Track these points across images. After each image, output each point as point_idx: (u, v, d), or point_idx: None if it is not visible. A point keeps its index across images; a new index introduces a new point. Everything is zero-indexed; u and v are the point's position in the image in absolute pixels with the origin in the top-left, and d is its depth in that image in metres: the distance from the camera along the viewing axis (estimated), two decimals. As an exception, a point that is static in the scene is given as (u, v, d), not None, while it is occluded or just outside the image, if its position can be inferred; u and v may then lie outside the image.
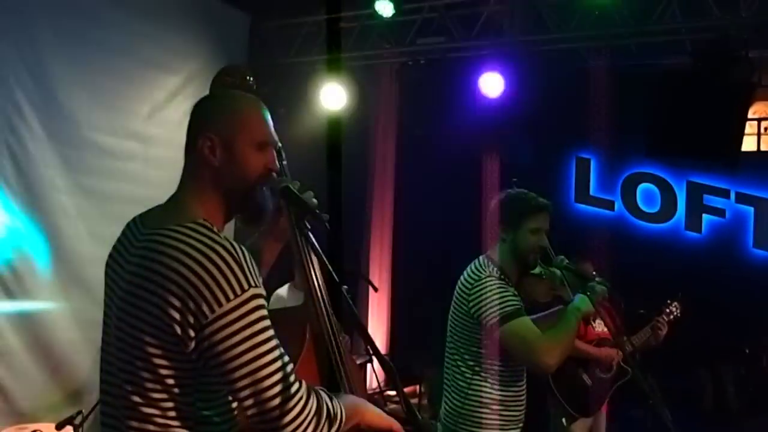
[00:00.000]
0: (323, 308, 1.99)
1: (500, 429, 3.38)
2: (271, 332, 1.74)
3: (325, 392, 1.87)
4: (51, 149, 5.22)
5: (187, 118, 1.96)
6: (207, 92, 2.17)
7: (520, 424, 3.49)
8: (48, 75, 5.20)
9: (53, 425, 4.48)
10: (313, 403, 1.77)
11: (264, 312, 1.74)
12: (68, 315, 5.33)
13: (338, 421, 1.82)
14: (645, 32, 6.30)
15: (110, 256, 1.94)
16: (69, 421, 4.46)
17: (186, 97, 6.12)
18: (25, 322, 5.18)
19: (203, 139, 1.87)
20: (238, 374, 1.70)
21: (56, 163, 5.26)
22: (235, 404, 1.86)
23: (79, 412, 4.48)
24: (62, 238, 5.32)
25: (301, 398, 1.75)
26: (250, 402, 1.71)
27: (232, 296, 1.68)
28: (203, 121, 1.91)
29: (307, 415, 1.75)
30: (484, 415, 3.36)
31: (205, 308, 1.67)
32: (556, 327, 3.31)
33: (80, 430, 4.49)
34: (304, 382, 1.79)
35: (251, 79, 2.23)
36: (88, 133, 5.51)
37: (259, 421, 1.73)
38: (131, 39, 5.77)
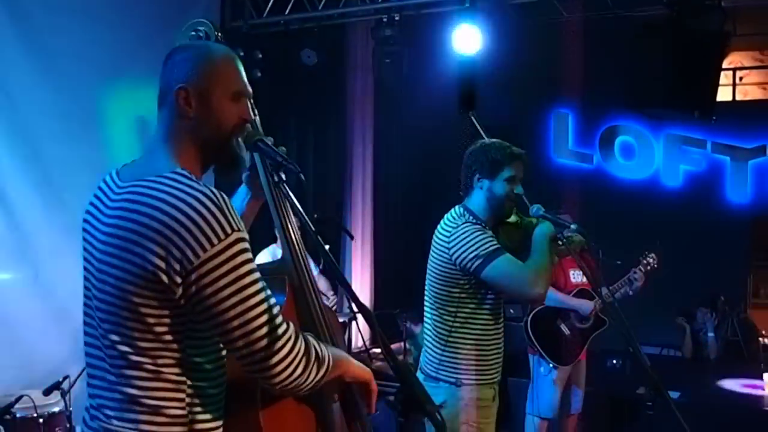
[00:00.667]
0: (301, 260, 2.00)
1: (480, 374, 3.44)
2: (257, 275, 1.77)
3: (312, 336, 1.90)
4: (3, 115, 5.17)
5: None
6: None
7: (499, 368, 3.56)
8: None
9: (40, 391, 4.49)
10: (301, 344, 1.81)
11: (249, 255, 1.76)
12: (53, 282, 5.33)
13: (326, 365, 1.86)
14: (620, -17, 6.29)
15: (87, 212, 1.93)
16: (56, 386, 4.48)
17: (156, 62, 6.01)
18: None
19: (178, 91, 1.87)
20: (226, 316, 1.73)
21: (10, 128, 5.21)
22: (224, 351, 1.89)
23: (66, 377, 4.49)
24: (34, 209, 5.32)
25: (289, 338, 1.78)
26: (239, 343, 1.74)
27: (216, 241, 1.70)
28: (177, 73, 1.89)
29: (296, 355, 1.79)
30: (464, 361, 3.41)
31: (189, 254, 1.69)
32: (533, 257, 3.37)
33: (68, 395, 4.51)
34: (292, 324, 1.82)
35: (219, 34, 2.22)
36: (46, 94, 5.41)
37: (249, 362, 1.76)
38: (94, 5, 5.69)
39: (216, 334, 1.79)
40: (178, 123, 1.89)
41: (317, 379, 1.85)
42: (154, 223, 1.71)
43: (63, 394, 4.49)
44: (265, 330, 1.75)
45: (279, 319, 1.78)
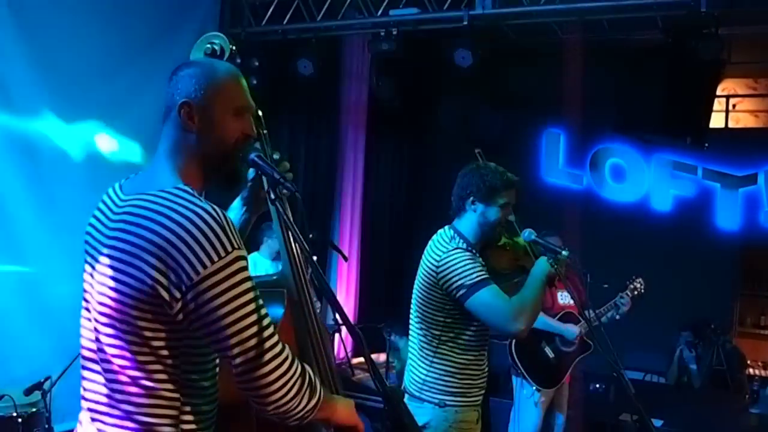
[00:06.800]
0: (302, 276, 2.02)
1: (463, 396, 3.43)
2: (255, 293, 1.78)
3: (308, 368, 1.89)
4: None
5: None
6: (174, 61, 2.16)
7: (482, 391, 3.55)
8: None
9: (21, 390, 4.46)
10: (297, 366, 1.82)
11: (247, 273, 1.77)
12: (40, 281, 5.31)
13: (317, 396, 1.86)
14: (617, 8, 6.31)
15: (89, 224, 1.94)
16: (37, 386, 4.45)
17: (155, 65, 6.02)
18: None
19: (180, 107, 1.89)
20: (223, 333, 1.73)
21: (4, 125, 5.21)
22: (218, 369, 1.89)
23: (47, 378, 4.47)
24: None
25: (285, 358, 1.79)
26: (237, 361, 1.75)
27: (216, 258, 1.71)
28: (181, 88, 1.91)
29: (293, 376, 1.79)
30: (448, 383, 3.41)
31: (189, 270, 1.70)
32: (523, 292, 3.35)
33: (48, 395, 4.48)
34: (288, 347, 1.83)
35: (234, 48, 2.23)
36: (44, 93, 5.41)
37: (245, 380, 1.76)
38: (97, 5, 5.69)
39: (213, 350, 1.81)
40: (181, 137, 1.91)
41: (308, 408, 1.83)
42: (155, 237, 1.72)
43: (43, 395, 4.46)
44: (261, 348, 1.75)
45: (275, 338, 1.79)
